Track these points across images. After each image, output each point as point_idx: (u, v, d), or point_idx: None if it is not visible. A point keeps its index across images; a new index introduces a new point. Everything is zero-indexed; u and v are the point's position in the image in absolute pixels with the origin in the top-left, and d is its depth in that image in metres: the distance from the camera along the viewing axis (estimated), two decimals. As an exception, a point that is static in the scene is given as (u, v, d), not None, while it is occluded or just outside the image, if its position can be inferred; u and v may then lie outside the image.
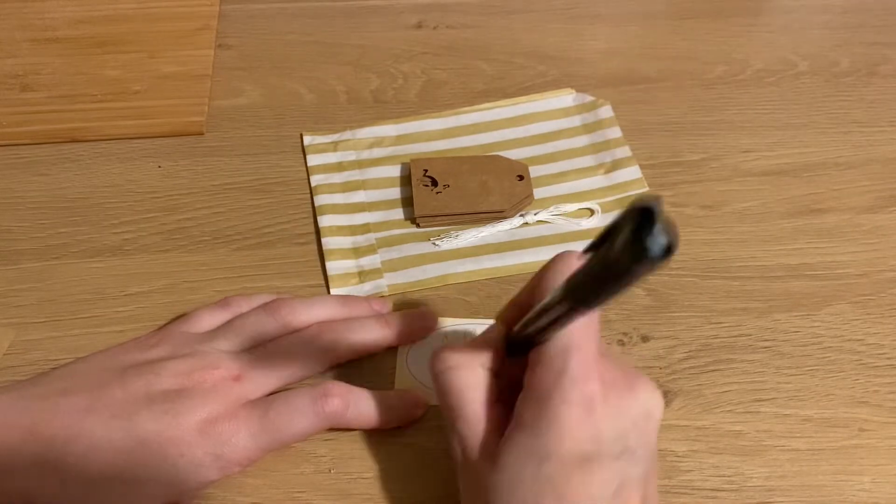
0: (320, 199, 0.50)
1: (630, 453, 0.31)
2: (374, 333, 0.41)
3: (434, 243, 0.47)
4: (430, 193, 0.49)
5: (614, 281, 0.24)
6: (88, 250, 0.47)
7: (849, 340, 0.43)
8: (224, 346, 0.39)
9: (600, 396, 0.30)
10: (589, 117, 0.55)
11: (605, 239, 0.25)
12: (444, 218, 0.48)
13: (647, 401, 0.32)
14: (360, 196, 0.50)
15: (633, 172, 0.51)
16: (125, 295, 0.45)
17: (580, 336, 0.31)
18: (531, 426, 0.31)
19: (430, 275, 0.46)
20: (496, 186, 0.49)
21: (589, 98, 0.56)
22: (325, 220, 0.48)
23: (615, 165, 0.51)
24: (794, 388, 0.41)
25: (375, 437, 0.39)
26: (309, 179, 0.51)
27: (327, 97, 0.57)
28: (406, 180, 0.51)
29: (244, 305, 0.42)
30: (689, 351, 0.43)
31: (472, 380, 0.33)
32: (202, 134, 0.54)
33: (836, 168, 0.52)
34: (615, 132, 0.53)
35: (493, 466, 0.31)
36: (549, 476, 0.30)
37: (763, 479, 0.38)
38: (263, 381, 0.38)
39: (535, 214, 0.48)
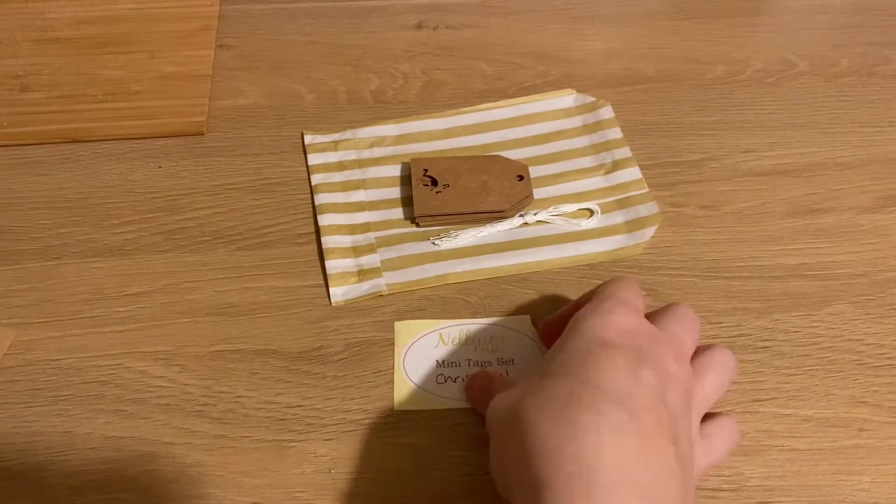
0: (320, 198, 0.50)
1: (647, 364, 0.32)
2: None
3: (433, 243, 0.47)
4: (429, 193, 0.49)
5: None
6: (89, 250, 0.47)
7: (848, 340, 0.43)
8: None
9: (642, 327, 0.35)
10: (589, 118, 0.55)
11: None
12: (443, 218, 0.48)
13: (678, 365, 0.34)
14: (360, 195, 0.50)
15: (633, 173, 0.51)
16: (125, 295, 0.45)
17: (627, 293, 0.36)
18: (569, 330, 0.35)
19: (429, 274, 0.46)
20: (496, 186, 0.49)
21: (589, 99, 0.56)
22: (325, 219, 0.48)
23: (615, 166, 0.51)
24: (794, 388, 0.41)
25: (375, 437, 0.40)
26: (309, 178, 0.51)
27: (327, 97, 0.57)
28: (406, 180, 0.51)
29: None
30: (689, 351, 0.43)
31: None
32: (202, 134, 0.54)
33: (836, 168, 0.52)
34: (615, 133, 0.53)
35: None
36: (577, 349, 0.33)
37: (763, 478, 0.38)
38: None
39: (534, 215, 0.48)
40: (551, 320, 0.41)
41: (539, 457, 0.30)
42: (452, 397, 0.41)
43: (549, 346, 0.37)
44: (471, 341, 0.43)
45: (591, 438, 0.29)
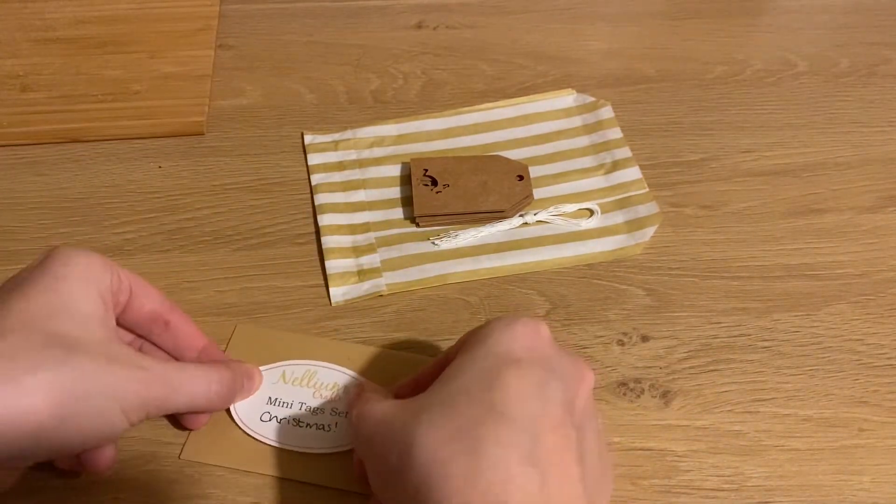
0: (321, 198, 0.50)
1: (556, 377, 0.32)
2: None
3: (433, 243, 0.47)
4: (430, 193, 0.49)
5: None
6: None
7: (848, 340, 0.43)
8: None
9: (546, 331, 0.34)
10: (589, 118, 0.55)
11: None
12: (443, 217, 0.48)
13: (583, 365, 0.34)
14: (360, 195, 0.50)
15: (633, 173, 0.51)
16: (125, 295, 0.45)
17: None
18: (473, 346, 0.33)
19: (429, 274, 0.46)
20: (496, 186, 0.49)
21: (589, 99, 0.56)
22: (325, 219, 0.48)
23: (615, 166, 0.52)
24: (794, 388, 0.41)
25: (375, 436, 0.40)
26: (309, 178, 0.51)
27: (327, 97, 0.57)
28: (406, 180, 0.51)
29: None
30: (689, 351, 0.43)
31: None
32: (202, 134, 0.54)
33: (836, 168, 0.52)
34: (615, 133, 0.53)
35: (427, 390, 0.33)
36: (482, 369, 0.32)
37: (763, 478, 0.38)
38: None
39: (534, 214, 0.48)
40: (406, 383, 0.38)
41: (444, 493, 0.28)
42: (269, 438, 0.39)
43: None
44: (312, 384, 0.40)
45: (499, 474, 0.28)
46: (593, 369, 0.41)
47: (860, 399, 0.41)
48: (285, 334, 0.43)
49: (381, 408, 0.33)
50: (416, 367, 0.41)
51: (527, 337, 0.33)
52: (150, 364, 0.34)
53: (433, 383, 0.33)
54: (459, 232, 0.48)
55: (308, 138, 0.53)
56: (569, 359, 0.34)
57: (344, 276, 0.46)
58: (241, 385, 0.39)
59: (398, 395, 0.37)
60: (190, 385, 0.35)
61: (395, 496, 0.31)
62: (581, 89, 0.57)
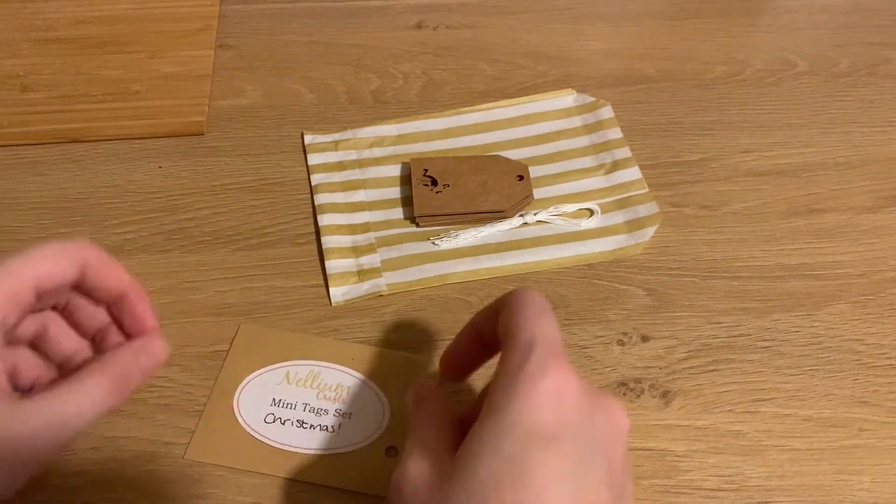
0: (321, 198, 0.50)
1: (595, 448, 0.28)
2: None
3: (433, 243, 0.47)
4: (430, 193, 0.49)
5: None
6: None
7: (848, 340, 0.43)
8: None
9: (574, 385, 0.29)
10: (589, 118, 0.55)
11: None
12: (443, 217, 0.48)
13: (617, 412, 0.30)
14: (360, 195, 0.50)
15: (633, 173, 0.51)
16: (125, 295, 0.45)
17: (547, 329, 0.30)
18: (495, 410, 0.29)
19: (430, 274, 0.46)
20: (496, 186, 0.49)
21: (589, 99, 0.56)
22: (325, 219, 0.48)
23: (615, 166, 0.52)
24: (794, 388, 0.41)
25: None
26: (309, 178, 0.51)
27: (327, 97, 0.57)
28: (406, 180, 0.51)
29: None
30: (689, 351, 0.43)
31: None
32: (202, 134, 0.54)
33: (836, 168, 0.52)
34: (615, 133, 0.53)
35: (454, 462, 0.29)
36: (509, 454, 0.28)
37: (763, 478, 0.38)
38: None
39: (534, 214, 0.48)
40: (449, 354, 0.36)
41: None
42: (273, 439, 0.39)
43: (451, 379, 0.35)
44: (316, 385, 0.41)
45: None
46: (594, 370, 0.41)
47: (860, 399, 0.41)
48: (288, 334, 0.43)
49: (418, 471, 0.30)
50: (418, 367, 0.41)
51: (553, 402, 0.29)
52: (33, 411, 0.29)
53: (461, 447, 0.29)
54: (459, 232, 0.48)
55: (308, 138, 0.53)
56: (602, 413, 0.29)
57: (344, 276, 0.46)
58: (132, 371, 0.33)
59: (446, 365, 0.36)
60: (78, 407, 0.31)
61: None
62: (581, 89, 0.57)
